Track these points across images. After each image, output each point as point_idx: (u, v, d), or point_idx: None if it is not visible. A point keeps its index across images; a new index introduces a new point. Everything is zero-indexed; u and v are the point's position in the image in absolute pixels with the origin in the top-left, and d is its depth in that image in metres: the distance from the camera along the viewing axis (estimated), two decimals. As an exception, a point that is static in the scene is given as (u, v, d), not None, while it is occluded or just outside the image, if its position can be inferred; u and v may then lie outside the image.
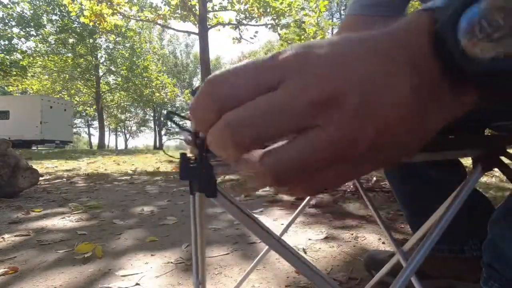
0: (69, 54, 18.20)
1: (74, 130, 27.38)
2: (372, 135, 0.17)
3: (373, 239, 1.25)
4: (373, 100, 0.17)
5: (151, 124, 33.70)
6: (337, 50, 0.18)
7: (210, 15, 10.95)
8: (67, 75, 19.10)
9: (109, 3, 9.43)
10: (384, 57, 0.18)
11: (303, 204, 0.67)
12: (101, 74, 20.95)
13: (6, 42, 16.02)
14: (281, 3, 10.32)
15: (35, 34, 17.10)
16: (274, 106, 0.17)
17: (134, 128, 35.14)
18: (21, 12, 16.46)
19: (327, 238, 1.27)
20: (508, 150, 0.38)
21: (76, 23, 17.66)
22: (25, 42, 17.36)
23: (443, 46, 0.18)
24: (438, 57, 0.18)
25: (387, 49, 0.18)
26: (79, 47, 18.19)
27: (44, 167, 4.56)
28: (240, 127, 0.17)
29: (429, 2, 0.20)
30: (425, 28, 0.18)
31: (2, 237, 1.35)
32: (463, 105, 0.19)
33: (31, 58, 16.49)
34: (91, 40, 18.48)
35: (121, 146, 36.24)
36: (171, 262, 1.06)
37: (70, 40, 17.94)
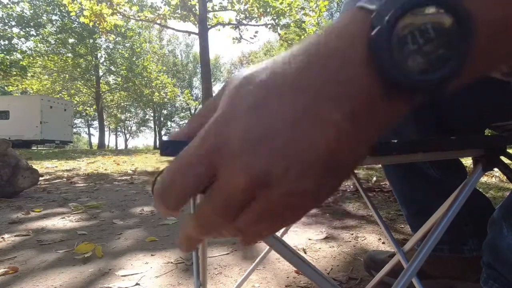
0: (69, 54, 18.18)
1: (74, 130, 27.37)
2: (307, 201, 0.20)
3: (373, 239, 1.25)
4: (302, 172, 0.18)
5: (151, 124, 33.69)
6: (256, 125, 0.18)
7: (210, 15, 10.95)
8: (67, 75, 19.08)
9: (109, 3, 9.43)
10: (310, 97, 0.18)
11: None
12: (101, 74, 20.95)
13: (6, 42, 16.02)
14: (281, 3, 10.32)
15: (35, 34, 17.09)
16: (216, 205, 0.20)
17: (134, 128, 35.15)
18: (21, 12, 16.45)
19: (327, 238, 1.27)
20: (508, 150, 0.38)
21: (76, 23, 17.65)
22: (25, 42, 17.36)
23: (377, 59, 0.17)
24: (371, 69, 0.17)
25: (313, 85, 0.18)
26: (79, 47, 18.17)
27: (44, 167, 4.56)
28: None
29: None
30: (359, 36, 0.18)
31: (2, 237, 1.35)
32: (397, 112, 0.19)
33: (31, 58, 16.48)
34: (91, 40, 18.47)
35: (121, 146, 36.25)
36: (171, 262, 1.06)
37: (70, 40, 17.93)
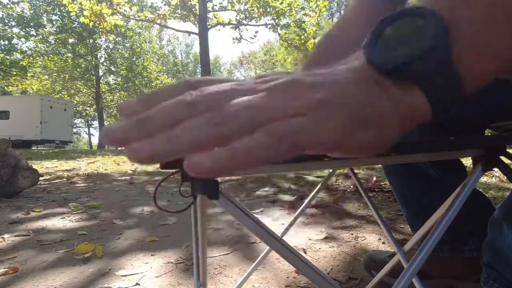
0: (69, 54, 18.18)
1: (74, 130, 27.36)
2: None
3: (373, 239, 1.25)
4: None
5: (151, 124, 33.57)
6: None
7: (210, 15, 10.96)
8: (67, 75, 19.09)
9: (109, 3, 9.44)
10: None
11: (303, 204, 0.67)
12: (101, 74, 20.95)
13: (6, 42, 16.01)
14: (281, 3, 10.32)
15: (35, 34, 17.08)
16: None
17: (134, 128, 35.03)
18: (21, 12, 16.44)
19: (327, 238, 1.27)
20: (508, 150, 0.38)
21: (76, 23, 17.64)
22: (25, 42, 17.36)
23: (369, 55, 0.22)
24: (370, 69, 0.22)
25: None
26: (79, 47, 18.16)
27: (44, 167, 4.56)
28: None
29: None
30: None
31: (2, 237, 1.35)
32: (414, 100, 0.22)
33: (31, 58, 16.48)
34: (91, 40, 18.47)
35: (121, 146, 36.09)
36: (171, 262, 1.06)
37: (70, 40, 17.92)
